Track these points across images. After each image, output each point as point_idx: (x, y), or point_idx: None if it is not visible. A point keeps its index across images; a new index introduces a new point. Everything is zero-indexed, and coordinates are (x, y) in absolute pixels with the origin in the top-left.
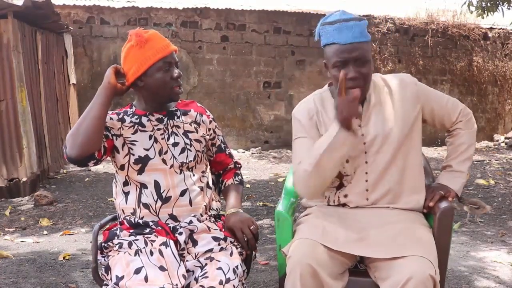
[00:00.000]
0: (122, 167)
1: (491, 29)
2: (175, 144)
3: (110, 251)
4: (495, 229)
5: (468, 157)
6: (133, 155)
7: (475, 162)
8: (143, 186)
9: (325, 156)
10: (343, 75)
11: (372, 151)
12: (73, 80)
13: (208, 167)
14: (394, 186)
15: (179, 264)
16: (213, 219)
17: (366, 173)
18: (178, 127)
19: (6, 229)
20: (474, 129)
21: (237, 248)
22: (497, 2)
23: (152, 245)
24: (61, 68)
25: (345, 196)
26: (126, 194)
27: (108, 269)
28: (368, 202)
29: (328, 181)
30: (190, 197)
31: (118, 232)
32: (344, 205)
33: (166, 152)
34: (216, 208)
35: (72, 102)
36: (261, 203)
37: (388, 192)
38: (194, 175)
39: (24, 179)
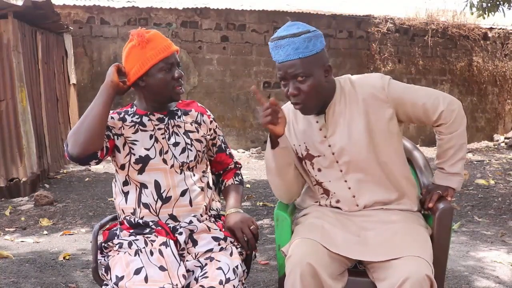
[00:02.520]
0: (122, 167)
1: (491, 29)
2: (176, 144)
3: (110, 251)
4: (495, 229)
5: (460, 158)
6: (134, 154)
7: (475, 162)
8: (143, 186)
9: (267, 163)
10: (253, 88)
11: (343, 161)
12: (73, 80)
13: (209, 167)
14: (381, 193)
15: (179, 264)
16: (213, 219)
17: (346, 181)
18: (179, 127)
19: (6, 229)
20: (461, 129)
21: (237, 248)
22: (498, 3)
23: (152, 245)
24: (61, 68)
25: (337, 201)
26: (126, 194)
27: (108, 269)
28: (360, 207)
29: (284, 186)
30: (190, 197)
31: (118, 232)
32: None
33: (167, 152)
34: (216, 208)
35: (72, 102)
36: (261, 203)
37: (377, 199)
38: (194, 175)
39: (24, 179)
